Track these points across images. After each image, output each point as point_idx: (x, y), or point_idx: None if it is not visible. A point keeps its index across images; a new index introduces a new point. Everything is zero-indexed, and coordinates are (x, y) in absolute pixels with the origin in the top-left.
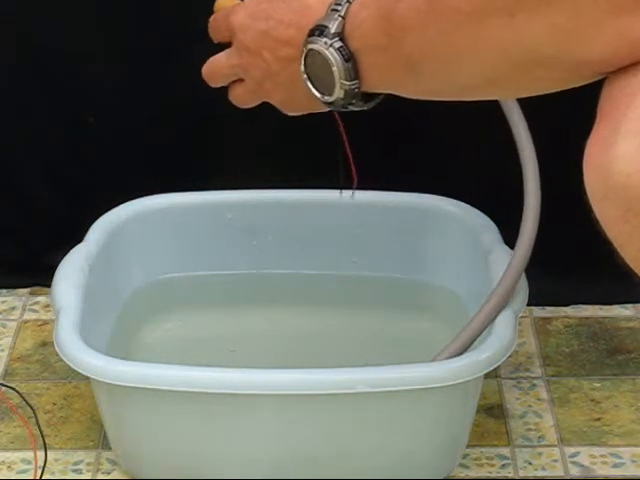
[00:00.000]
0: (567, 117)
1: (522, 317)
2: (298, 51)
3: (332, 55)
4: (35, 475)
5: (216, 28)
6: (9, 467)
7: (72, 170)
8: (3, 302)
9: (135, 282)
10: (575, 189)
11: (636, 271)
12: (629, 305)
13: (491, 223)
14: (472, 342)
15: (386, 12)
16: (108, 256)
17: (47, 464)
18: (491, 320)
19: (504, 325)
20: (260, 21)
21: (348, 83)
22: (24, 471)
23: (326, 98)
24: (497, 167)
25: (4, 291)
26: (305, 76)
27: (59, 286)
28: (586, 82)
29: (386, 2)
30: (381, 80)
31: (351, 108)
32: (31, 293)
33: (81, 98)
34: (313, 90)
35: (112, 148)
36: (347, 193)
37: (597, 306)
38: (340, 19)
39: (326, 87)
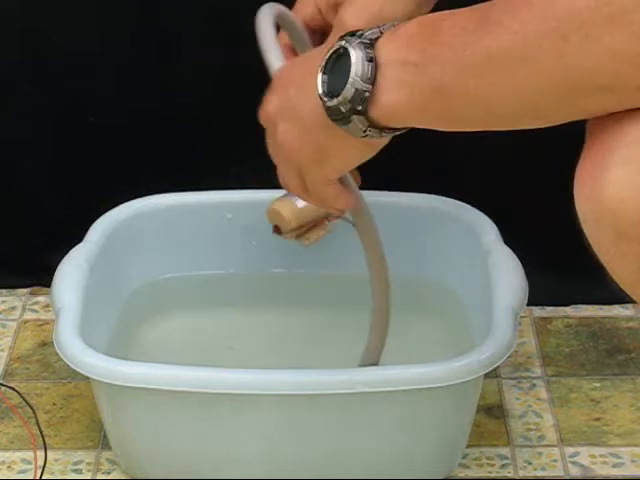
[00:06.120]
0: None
1: (522, 317)
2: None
3: (354, 50)
4: (35, 475)
5: None
6: (9, 467)
7: (72, 170)
8: (3, 302)
9: (135, 282)
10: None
11: (629, 294)
12: (629, 305)
13: (491, 223)
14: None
15: (427, 28)
16: (108, 256)
17: (47, 464)
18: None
19: (504, 325)
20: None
21: (362, 83)
22: (24, 471)
23: (330, 102)
24: (497, 167)
25: (4, 291)
26: (320, 72)
27: (59, 286)
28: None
29: (430, 20)
30: (401, 102)
31: (351, 123)
32: (31, 293)
33: (81, 98)
34: (319, 87)
35: (112, 148)
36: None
37: (597, 306)
38: (378, 31)
39: (338, 84)
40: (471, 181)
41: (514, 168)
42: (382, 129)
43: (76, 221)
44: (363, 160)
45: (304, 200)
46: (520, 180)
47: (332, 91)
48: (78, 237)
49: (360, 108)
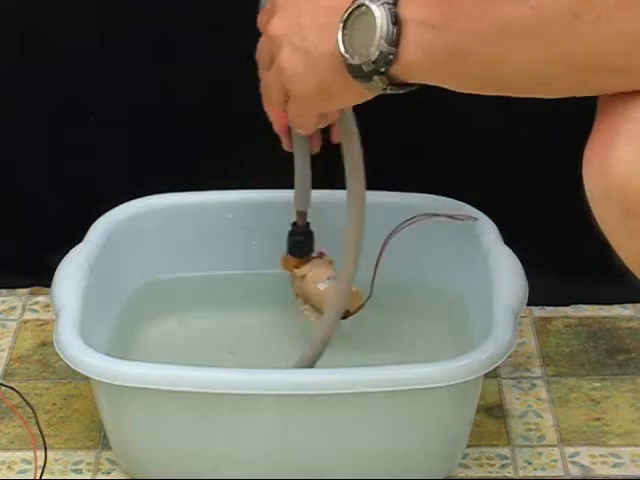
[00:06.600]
0: (567, 116)
1: (522, 317)
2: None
3: (381, 12)
4: (35, 475)
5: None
6: (9, 467)
7: (72, 170)
8: (3, 302)
9: (135, 282)
10: (575, 189)
11: (635, 273)
12: (629, 305)
13: (491, 223)
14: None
15: None
16: (108, 256)
17: (47, 464)
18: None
19: (504, 325)
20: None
21: (386, 46)
22: (24, 471)
23: (352, 60)
24: (497, 167)
25: (4, 291)
26: (340, 28)
27: (59, 286)
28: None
29: None
30: (418, 62)
31: (372, 81)
32: (31, 293)
33: (81, 98)
34: (340, 44)
35: (112, 148)
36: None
37: (597, 306)
38: None
39: (361, 45)
40: (471, 181)
41: (514, 168)
42: (400, 85)
43: (76, 221)
44: (361, 102)
45: (277, 115)
46: (520, 180)
47: (354, 49)
48: (78, 237)
49: (383, 69)
